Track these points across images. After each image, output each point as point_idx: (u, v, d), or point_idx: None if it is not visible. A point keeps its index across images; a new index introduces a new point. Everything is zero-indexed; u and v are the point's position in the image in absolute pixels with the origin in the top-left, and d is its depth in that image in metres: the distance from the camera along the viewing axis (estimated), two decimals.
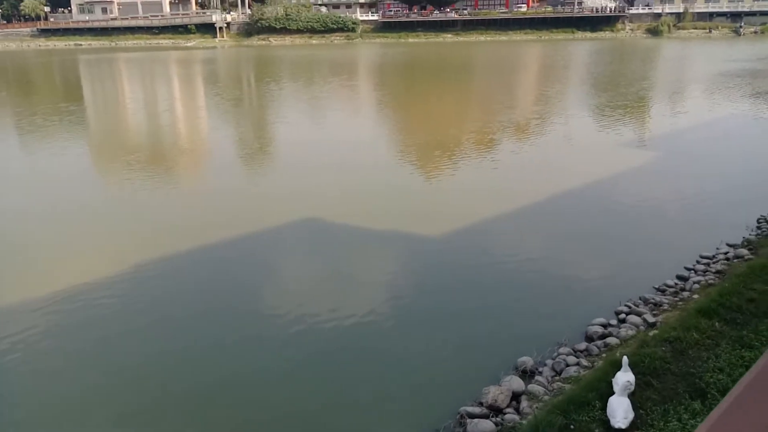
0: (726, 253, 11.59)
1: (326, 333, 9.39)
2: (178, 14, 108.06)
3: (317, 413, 7.48)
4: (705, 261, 11.49)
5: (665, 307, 9.53)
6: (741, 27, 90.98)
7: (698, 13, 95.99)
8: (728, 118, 26.97)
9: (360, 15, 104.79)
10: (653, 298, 9.89)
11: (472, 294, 10.78)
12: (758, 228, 12.94)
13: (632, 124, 26.26)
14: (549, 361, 8.14)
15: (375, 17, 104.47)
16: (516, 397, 7.38)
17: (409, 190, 17.32)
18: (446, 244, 13.17)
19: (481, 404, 7.23)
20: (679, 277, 10.87)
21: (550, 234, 13.77)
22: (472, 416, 6.96)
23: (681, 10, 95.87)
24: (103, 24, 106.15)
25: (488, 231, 13.94)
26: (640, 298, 10.04)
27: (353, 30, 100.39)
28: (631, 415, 5.61)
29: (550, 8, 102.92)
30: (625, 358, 6.20)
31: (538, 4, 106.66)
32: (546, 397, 7.14)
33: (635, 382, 5.98)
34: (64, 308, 10.30)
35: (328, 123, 29.03)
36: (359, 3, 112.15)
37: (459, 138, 24.43)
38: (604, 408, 5.94)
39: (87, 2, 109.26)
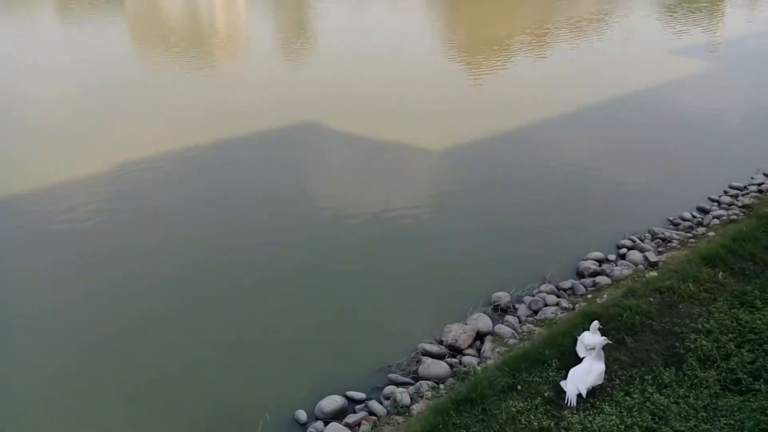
0: (760, 185, 10.30)
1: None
2: None
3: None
4: (734, 192, 10.26)
5: (674, 244, 8.57)
6: None
7: None
8: None
9: None
10: (663, 233, 8.90)
11: (470, 212, 9.99)
12: None
13: (702, 27, 23.45)
14: (528, 298, 7.46)
15: None
16: (481, 337, 6.80)
17: (438, 91, 16.13)
18: (458, 155, 12.28)
19: (441, 342, 6.70)
20: (700, 209, 9.76)
21: (574, 150, 12.59)
22: (428, 355, 6.45)
23: None
24: None
25: (507, 142, 12.89)
26: (648, 231, 9.07)
27: None
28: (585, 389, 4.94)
29: None
30: (595, 323, 5.43)
31: None
32: (512, 341, 6.54)
33: (605, 341, 5.24)
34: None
35: (372, 15, 27.11)
36: None
37: (509, 37, 22.44)
38: (560, 368, 5.29)
39: None
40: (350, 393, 5.92)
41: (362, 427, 5.35)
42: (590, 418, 4.61)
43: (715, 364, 5.10)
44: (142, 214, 10.03)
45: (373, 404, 5.70)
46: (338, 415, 5.63)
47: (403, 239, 9.18)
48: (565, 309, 7.13)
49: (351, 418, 5.53)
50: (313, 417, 5.68)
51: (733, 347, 5.26)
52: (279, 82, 17.37)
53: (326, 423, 5.50)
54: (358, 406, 5.77)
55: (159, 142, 12.77)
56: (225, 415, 5.77)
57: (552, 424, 4.67)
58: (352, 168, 11.90)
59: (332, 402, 5.70)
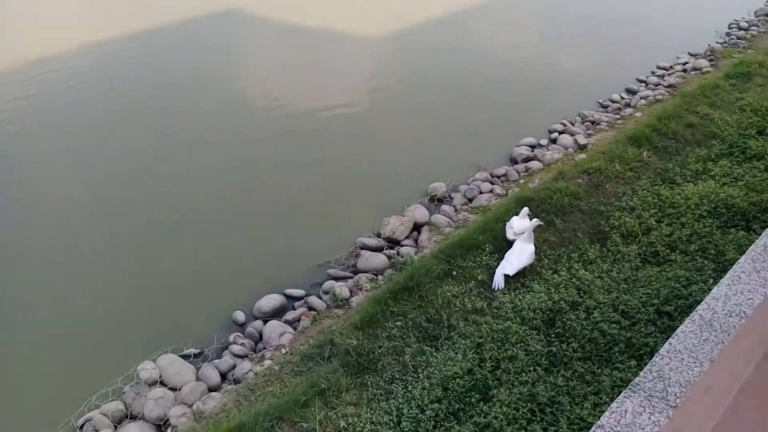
0: (684, 64, 10.49)
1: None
2: None
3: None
4: (660, 72, 10.45)
5: (602, 126, 8.74)
6: None
7: None
8: None
9: None
10: (592, 115, 9.05)
11: (404, 104, 9.81)
12: (727, 35, 11.64)
13: None
14: (463, 187, 7.53)
15: None
16: (418, 227, 6.88)
17: None
18: (391, 43, 11.88)
19: (379, 235, 6.74)
20: (628, 91, 9.94)
21: (507, 36, 12.37)
22: (367, 248, 6.50)
23: None
24: None
25: (442, 28, 12.53)
26: (579, 115, 9.19)
27: None
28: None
29: None
30: (525, 209, 5.54)
31: None
32: (448, 229, 6.65)
33: (537, 223, 5.36)
34: None
35: None
36: None
37: None
38: (493, 252, 5.44)
39: None
40: (289, 291, 5.94)
41: (302, 322, 5.42)
42: (520, 297, 4.80)
43: (637, 239, 5.34)
44: (61, 116, 9.41)
45: (312, 300, 5.75)
46: (277, 313, 5.67)
47: (338, 135, 8.97)
48: (498, 195, 7.26)
49: (290, 315, 5.58)
50: (252, 317, 5.70)
51: (653, 222, 5.50)
52: None
53: (265, 321, 5.55)
54: (297, 303, 5.81)
55: (70, 39, 11.69)
56: (159, 322, 5.68)
57: (485, 305, 4.84)
58: (283, 60, 11.33)
59: (271, 300, 5.71)
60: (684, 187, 5.96)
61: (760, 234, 4.86)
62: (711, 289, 4.28)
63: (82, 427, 4.70)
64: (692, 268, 4.65)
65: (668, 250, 5.03)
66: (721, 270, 4.54)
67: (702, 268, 4.62)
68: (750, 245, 4.76)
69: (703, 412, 1.03)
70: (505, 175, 7.73)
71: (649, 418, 2.32)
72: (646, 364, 3.78)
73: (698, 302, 4.19)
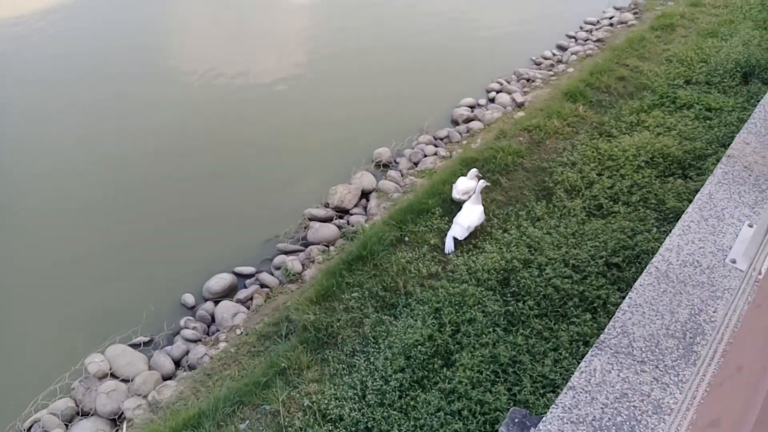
0: (611, 18, 10.71)
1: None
2: None
3: None
4: (588, 27, 10.63)
5: (537, 83, 8.84)
6: None
7: None
8: None
9: None
10: (527, 73, 9.13)
11: (342, 70, 9.58)
12: None
13: None
14: (407, 151, 7.48)
15: None
16: (366, 194, 6.81)
17: None
18: (327, 4, 11.49)
19: (327, 205, 6.62)
20: (559, 47, 10.07)
21: None
22: (315, 220, 6.38)
23: None
24: None
25: None
26: (513, 73, 9.26)
27: None
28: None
29: None
30: (473, 170, 5.56)
31: None
32: (396, 195, 6.61)
33: (484, 184, 5.38)
34: None
35: None
36: None
37: None
38: (443, 215, 5.45)
39: None
40: (239, 269, 5.77)
41: (255, 301, 5.29)
42: (474, 258, 4.84)
43: (580, 193, 5.46)
44: None
45: (264, 276, 5.62)
46: (228, 293, 5.52)
47: (277, 104, 8.69)
48: (443, 158, 7.26)
49: (242, 294, 5.43)
50: (202, 299, 5.52)
51: (594, 175, 5.64)
52: None
53: (216, 302, 5.38)
54: (248, 281, 5.67)
55: None
56: (104, 311, 5.41)
57: (439, 269, 4.85)
58: (216, 27, 10.80)
59: (220, 280, 5.54)
60: (621, 140, 6.12)
61: (697, 181, 5.09)
62: (656, 238, 4.47)
63: (29, 429, 4.46)
64: (635, 219, 4.81)
65: (611, 202, 5.17)
66: (663, 219, 4.72)
67: (645, 218, 4.79)
68: (688, 193, 4.99)
69: (741, 396, 1.00)
70: (447, 137, 7.72)
71: (618, 375, 2.38)
72: (600, 316, 3.93)
73: (645, 252, 4.37)
